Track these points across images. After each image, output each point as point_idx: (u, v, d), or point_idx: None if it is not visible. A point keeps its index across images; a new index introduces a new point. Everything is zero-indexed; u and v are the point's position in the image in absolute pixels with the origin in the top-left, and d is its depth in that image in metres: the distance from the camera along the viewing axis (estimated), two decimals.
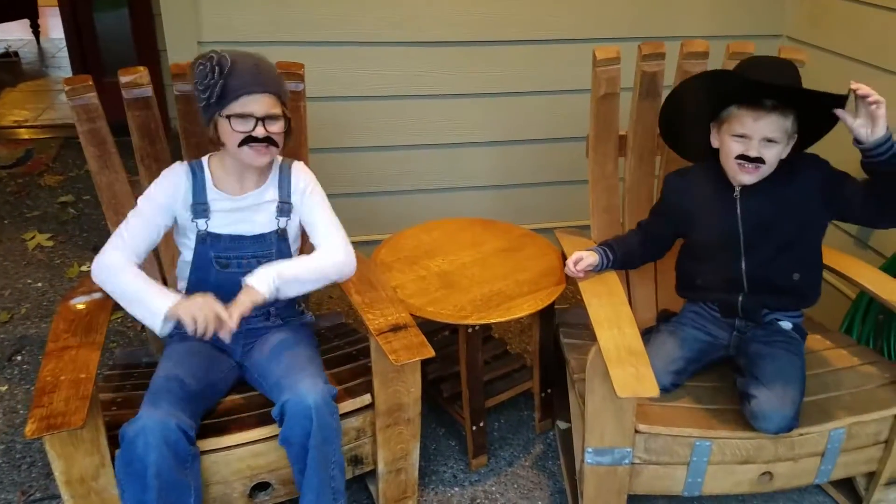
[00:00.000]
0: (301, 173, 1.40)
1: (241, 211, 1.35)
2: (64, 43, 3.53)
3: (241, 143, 1.26)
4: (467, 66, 2.10)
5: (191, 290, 1.37)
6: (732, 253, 1.39)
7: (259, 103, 1.25)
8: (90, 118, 1.41)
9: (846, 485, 1.53)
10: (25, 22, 4.91)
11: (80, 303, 1.37)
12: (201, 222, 1.33)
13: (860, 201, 1.29)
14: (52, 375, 1.15)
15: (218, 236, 1.33)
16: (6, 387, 1.84)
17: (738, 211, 1.37)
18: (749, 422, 1.29)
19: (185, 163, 1.36)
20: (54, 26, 5.00)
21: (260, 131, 1.26)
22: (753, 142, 1.28)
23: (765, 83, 1.25)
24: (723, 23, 2.17)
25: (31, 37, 5.05)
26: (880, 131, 1.18)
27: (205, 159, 1.36)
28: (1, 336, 2.04)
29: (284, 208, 1.37)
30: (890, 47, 1.82)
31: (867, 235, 1.93)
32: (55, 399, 1.10)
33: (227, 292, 1.33)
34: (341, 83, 2.03)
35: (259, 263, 1.33)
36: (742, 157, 1.29)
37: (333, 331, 1.63)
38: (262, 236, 1.35)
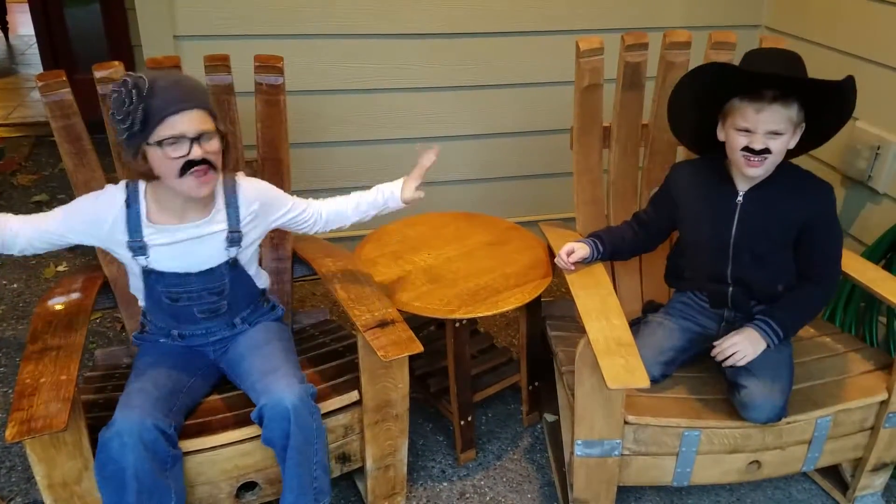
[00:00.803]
0: (248, 193, 1.28)
1: (182, 243, 1.24)
2: (34, 40, 3.44)
3: (182, 172, 1.14)
4: (448, 58, 2.08)
5: (149, 312, 1.34)
6: (720, 255, 1.39)
7: (189, 121, 1.13)
8: (64, 114, 1.37)
9: (832, 472, 1.55)
10: None
11: (58, 303, 1.34)
12: (141, 259, 1.24)
13: (803, 264, 1.36)
14: (32, 378, 1.13)
15: (162, 274, 1.25)
16: None
17: (737, 216, 1.36)
18: (739, 411, 1.29)
19: (123, 189, 1.23)
20: (23, 23, 4.87)
21: (197, 152, 1.14)
22: (757, 135, 1.25)
23: (759, 73, 1.23)
24: (701, 13, 2.18)
25: None
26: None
27: (141, 187, 1.23)
28: None
29: (234, 238, 1.27)
30: (870, 36, 1.84)
31: (848, 224, 1.95)
32: (36, 402, 1.07)
33: (185, 320, 1.31)
34: (321, 76, 2.00)
35: (210, 295, 1.29)
36: (747, 149, 1.27)
37: (318, 328, 1.61)
38: (210, 271, 1.26)
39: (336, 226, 1.42)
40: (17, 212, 1.23)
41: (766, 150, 1.27)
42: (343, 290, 1.39)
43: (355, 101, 2.07)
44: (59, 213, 1.23)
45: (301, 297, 2.18)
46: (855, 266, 1.46)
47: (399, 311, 1.34)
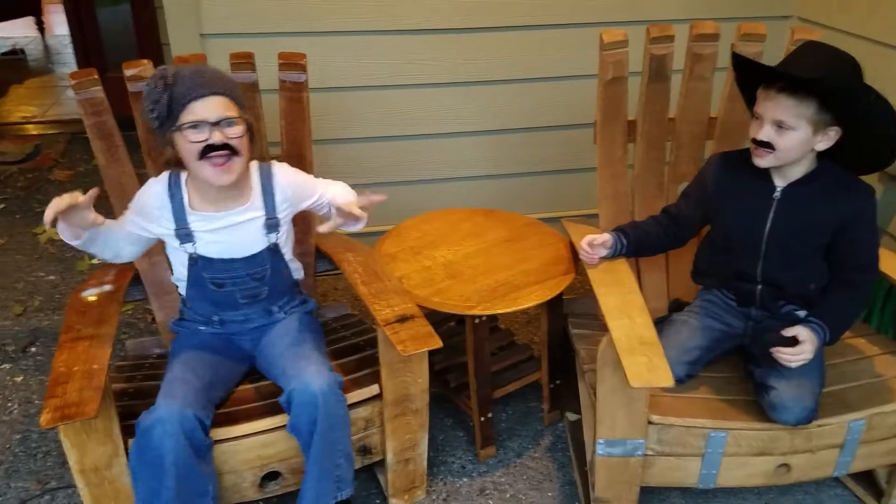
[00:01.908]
0: (281, 179, 1.33)
1: (224, 230, 1.29)
2: (68, 39, 3.54)
3: (201, 157, 1.19)
4: (467, 53, 2.07)
5: (190, 301, 1.37)
6: (752, 251, 1.35)
7: (209, 107, 1.18)
8: (96, 112, 1.40)
9: (866, 477, 1.50)
10: (30, 19, 4.93)
11: (90, 295, 1.38)
12: (188, 246, 1.29)
13: (840, 267, 1.32)
14: (66, 366, 1.16)
15: (210, 260, 1.30)
16: (21, 377, 1.86)
17: (772, 212, 1.32)
18: (767, 413, 1.26)
19: (165, 180, 1.28)
20: (59, 23, 5.01)
21: (217, 137, 1.18)
22: (764, 124, 1.24)
23: (743, 58, 1.25)
24: (730, 4, 2.12)
25: (36, 34, 5.07)
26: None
27: (183, 177, 1.28)
28: (15, 328, 2.05)
29: (272, 223, 1.32)
30: None
31: (885, 222, 1.88)
32: (69, 389, 1.11)
33: (225, 307, 1.35)
34: (339, 73, 2.01)
35: (254, 281, 1.33)
36: (752, 139, 1.27)
37: (339, 321, 1.62)
38: (253, 256, 1.32)
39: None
40: None
41: (768, 144, 1.25)
42: (363, 284, 1.40)
43: (376, 97, 2.08)
44: (126, 213, 1.31)
45: (323, 292, 2.20)
46: (893, 266, 1.41)
47: (419, 306, 1.34)
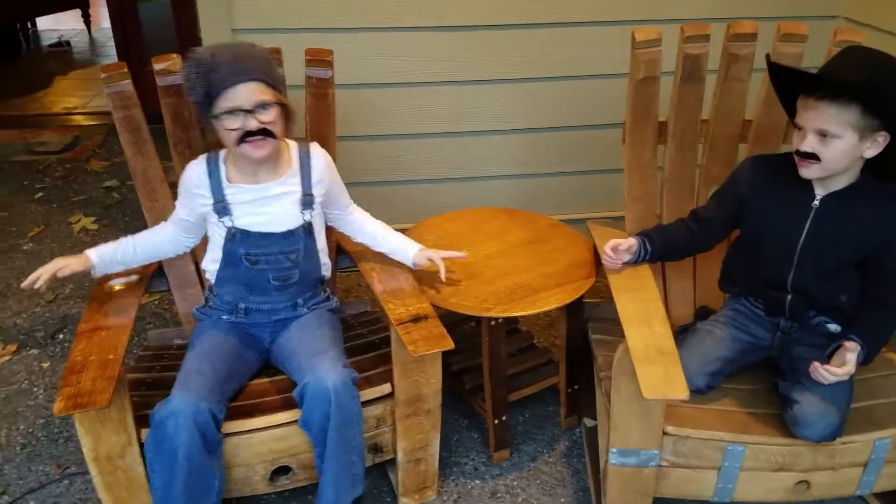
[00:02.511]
0: (319, 161, 1.37)
1: (260, 201, 1.31)
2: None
3: (240, 141, 1.22)
4: (493, 50, 2.05)
5: (220, 284, 1.38)
6: (784, 260, 1.30)
7: (244, 94, 1.19)
8: (125, 105, 1.42)
9: (891, 497, 1.43)
10: (77, 12, 5.08)
11: (116, 284, 1.41)
12: (226, 220, 1.31)
13: (878, 286, 1.27)
14: (82, 355, 1.19)
15: (247, 233, 1.32)
16: (48, 363, 1.92)
17: (809, 221, 1.27)
18: (790, 428, 1.22)
19: (204, 159, 1.32)
20: (105, 16, 5.14)
21: (252, 124, 1.21)
22: (807, 134, 1.19)
23: (779, 66, 1.20)
24: (773, 3, 2.04)
25: (82, 26, 5.22)
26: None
27: (222, 154, 1.33)
28: (46, 315, 2.12)
29: (307, 200, 1.35)
30: None
31: None
32: (83, 378, 1.13)
33: (256, 290, 1.36)
34: (367, 70, 2.01)
35: (287, 259, 1.35)
36: (796, 151, 1.22)
37: (357, 318, 1.62)
38: (289, 232, 1.34)
39: (352, 238, 1.53)
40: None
41: (813, 156, 1.19)
42: (380, 283, 1.40)
43: (399, 94, 2.07)
44: (177, 202, 1.39)
45: (346, 288, 2.21)
46: None
47: (435, 306, 1.33)
